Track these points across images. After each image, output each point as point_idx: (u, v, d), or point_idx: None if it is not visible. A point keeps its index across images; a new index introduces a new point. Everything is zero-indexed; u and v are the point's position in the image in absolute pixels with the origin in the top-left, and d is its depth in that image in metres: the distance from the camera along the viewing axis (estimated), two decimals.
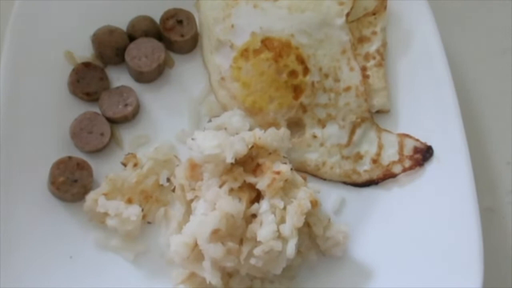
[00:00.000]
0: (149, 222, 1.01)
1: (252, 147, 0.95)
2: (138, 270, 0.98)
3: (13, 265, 0.93)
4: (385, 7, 1.12)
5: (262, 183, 0.92)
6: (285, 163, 0.97)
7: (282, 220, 0.91)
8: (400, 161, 1.07)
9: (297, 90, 1.06)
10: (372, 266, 1.00)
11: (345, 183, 1.07)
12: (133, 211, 0.97)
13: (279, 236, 0.89)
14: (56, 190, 0.98)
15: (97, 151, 1.04)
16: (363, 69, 1.10)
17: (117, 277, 0.97)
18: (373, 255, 1.01)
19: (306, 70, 1.06)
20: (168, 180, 1.02)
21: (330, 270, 1.00)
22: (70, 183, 0.98)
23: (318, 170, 1.07)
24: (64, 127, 1.04)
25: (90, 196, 0.98)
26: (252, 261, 0.88)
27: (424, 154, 1.06)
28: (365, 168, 1.07)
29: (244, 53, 1.06)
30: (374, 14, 1.12)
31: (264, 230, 0.88)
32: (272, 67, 1.05)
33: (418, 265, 0.99)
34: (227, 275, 0.93)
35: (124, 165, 1.03)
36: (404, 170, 1.06)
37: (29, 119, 1.02)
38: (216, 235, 0.87)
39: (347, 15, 1.10)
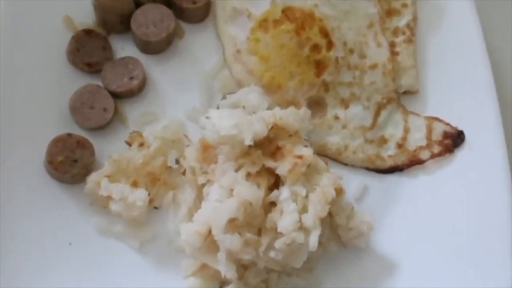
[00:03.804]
0: (155, 208, 0.96)
1: (272, 127, 0.89)
2: (143, 259, 0.94)
3: (7, 252, 0.88)
4: None
5: (282, 168, 0.87)
6: (307, 146, 0.91)
7: (304, 209, 0.86)
8: (428, 146, 1.02)
9: (319, 66, 1.00)
10: (395, 259, 0.96)
11: (367, 169, 1.02)
12: (139, 195, 0.92)
13: (301, 227, 0.83)
14: (54, 170, 0.92)
15: (99, 128, 0.98)
16: (391, 45, 1.05)
17: (120, 266, 0.93)
18: (397, 247, 0.97)
19: (330, 45, 1.00)
20: (177, 162, 0.97)
21: (351, 262, 0.96)
22: (70, 163, 0.93)
23: (339, 155, 1.01)
24: (63, 101, 0.98)
25: (91, 178, 0.93)
26: (272, 254, 0.83)
27: (454, 139, 1.01)
28: (389, 153, 1.02)
29: (263, 23, 1.00)
30: None
31: (285, 220, 0.83)
32: (293, 40, 0.99)
33: (445, 259, 0.95)
34: (243, 268, 0.87)
35: (129, 144, 0.97)
36: (432, 156, 1.01)
37: (24, 92, 0.96)
38: (233, 225, 0.82)
39: None
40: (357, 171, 1.02)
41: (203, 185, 0.91)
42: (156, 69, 1.03)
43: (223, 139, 0.86)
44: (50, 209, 0.93)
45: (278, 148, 0.89)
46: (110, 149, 0.97)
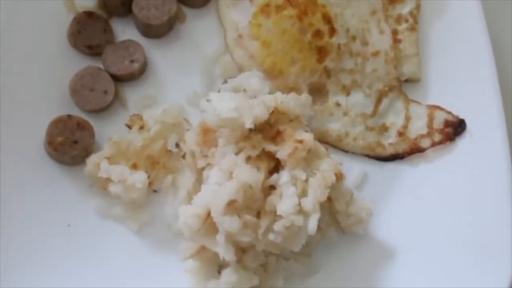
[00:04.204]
0: (155, 191, 0.96)
1: (273, 112, 0.88)
2: (142, 241, 0.94)
3: (5, 232, 0.88)
4: None
5: (282, 152, 0.86)
6: (307, 131, 0.90)
7: (304, 193, 0.85)
8: (429, 134, 1.01)
9: (321, 53, 0.99)
10: (393, 246, 0.96)
11: (368, 156, 1.01)
12: (139, 178, 0.92)
13: (300, 211, 0.83)
14: (53, 151, 0.92)
15: (100, 111, 0.98)
16: (394, 32, 1.04)
17: (119, 249, 0.93)
18: (395, 234, 0.97)
19: (332, 31, 0.99)
20: (177, 145, 0.97)
21: (349, 248, 0.96)
22: (70, 144, 0.93)
23: (340, 141, 1.01)
24: (63, 83, 0.97)
25: (91, 160, 0.93)
26: (271, 236, 0.83)
27: (455, 128, 1.00)
28: (390, 141, 1.02)
29: (265, 8, 0.99)
30: None
31: (285, 203, 0.83)
32: (295, 26, 0.98)
33: (443, 248, 0.95)
34: (241, 251, 0.87)
35: (129, 127, 0.97)
36: (433, 144, 1.01)
37: (24, 73, 0.96)
38: (232, 207, 0.81)
39: None
40: (357, 158, 1.01)
41: (203, 168, 0.91)
42: (157, 53, 1.02)
43: (224, 122, 0.86)
44: (49, 190, 0.93)
45: (279, 133, 0.89)
46: (110, 132, 0.96)
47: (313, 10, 0.98)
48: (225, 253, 0.82)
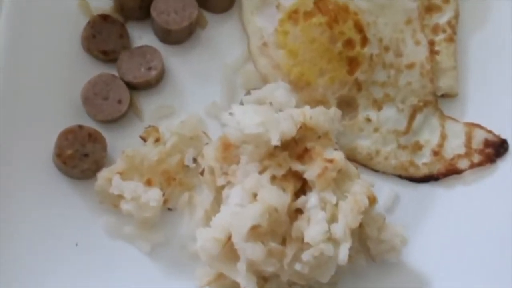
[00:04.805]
0: (169, 209, 0.93)
1: (300, 127, 0.84)
2: (154, 264, 0.91)
3: (9, 250, 0.85)
4: None
5: (311, 172, 0.82)
6: (337, 149, 0.86)
7: (334, 219, 0.81)
8: (467, 155, 0.97)
9: (352, 64, 0.96)
10: (427, 276, 0.92)
11: (399, 176, 0.97)
12: (153, 195, 0.89)
13: (330, 238, 0.78)
14: (62, 164, 0.90)
15: (113, 121, 0.95)
16: (431, 43, 1.01)
17: (129, 271, 0.90)
18: (430, 263, 0.93)
19: (364, 40, 0.96)
20: (195, 160, 0.94)
21: (380, 278, 0.92)
22: (80, 157, 0.90)
23: (370, 160, 0.97)
24: (75, 91, 0.95)
25: (102, 174, 0.91)
26: (297, 266, 0.78)
27: (497, 148, 0.97)
28: (424, 161, 0.98)
29: (293, 15, 0.96)
30: None
31: (313, 229, 0.78)
32: (325, 34, 0.95)
33: (483, 278, 0.90)
34: (262, 280, 0.82)
35: (144, 139, 0.95)
36: (472, 166, 0.97)
37: (34, 79, 0.94)
38: (256, 232, 0.77)
39: None
40: (388, 178, 0.98)
41: (223, 187, 0.87)
42: (175, 60, 1.00)
43: (248, 137, 0.82)
44: (57, 206, 0.91)
45: (306, 151, 0.84)
46: (124, 144, 0.94)
47: (345, 18, 0.95)
48: (247, 283, 0.78)
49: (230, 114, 0.84)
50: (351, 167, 0.86)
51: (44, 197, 0.90)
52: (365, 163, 0.97)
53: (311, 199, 0.81)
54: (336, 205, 0.81)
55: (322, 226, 0.78)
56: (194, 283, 0.88)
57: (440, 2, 1.02)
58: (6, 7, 0.91)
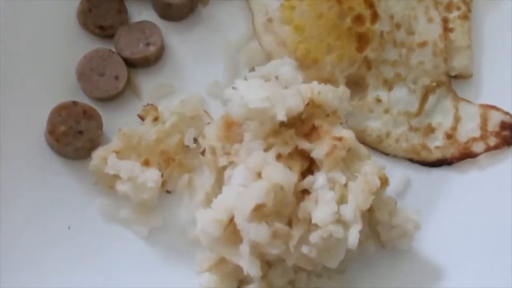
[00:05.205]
0: (168, 191, 0.92)
1: (307, 104, 0.81)
2: (151, 249, 0.89)
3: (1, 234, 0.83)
4: None
5: (319, 150, 0.80)
6: (345, 128, 0.83)
7: (343, 200, 0.79)
8: (482, 138, 0.96)
9: (362, 40, 0.95)
10: (440, 263, 0.91)
11: (411, 160, 0.97)
12: (151, 176, 0.87)
13: (339, 220, 0.75)
14: (55, 141, 0.89)
15: (109, 99, 0.94)
16: (444, 21, 1.00)
17: (125, 257, 0.88)
18: (442, 250, 0.92)
19: (375, 16, 0.95)
20: (195, 141, 0.93)
21: (390, 265, 0.90)
22: (74, 134, 0.89)
23: (380, 142, 0.95)
24: (70, 66, 0.94)
25: (97, 153, 0.89)
26: (304, 249, 0.75)
27: None
28: (437, 144, 0.97)
29: None
30: None
31: (321, 210, 0.76)
32: (333, 9, 0.94)
33: (496, 265, 0.89)
34: (267, 265, 0.80)
35: (142, 118, 0.94)
36: (487, 149, 0.96)
37: (27, 54, 0.92)
38: (260, 213, 0.74)
39: None
40: (399, 162, 0.97)
41: (225, 167, 0.85)
42: (176, 37, 0.98)
43: (252, 113, 0.79)
44: (49, 187, 0.89)
45: (314, 128, 0.82)
46: (121, 123, 0.93)
47: None
48: (250, 267, 0.75)
49: (234, 88, 0.81)
50: (361, 147, 0.85)
51: (36, 177, 0.89)
52: (375, 146, 0.96)
53: (319, 179, 0.79)
54: (346, 185, 0.79)
55: (330, 206, 0.76)
56: (193, 269, 0.84)
57: None
58: None
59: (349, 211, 0.77)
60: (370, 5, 0.95)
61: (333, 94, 0.85)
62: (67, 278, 0.86)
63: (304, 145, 0.81)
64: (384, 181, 0.80)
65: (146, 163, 0.89)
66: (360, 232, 0.80)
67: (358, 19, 0.94)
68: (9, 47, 0.91)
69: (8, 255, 0.85)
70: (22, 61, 0.92)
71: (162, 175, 0.90)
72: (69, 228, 0.88)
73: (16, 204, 0.87)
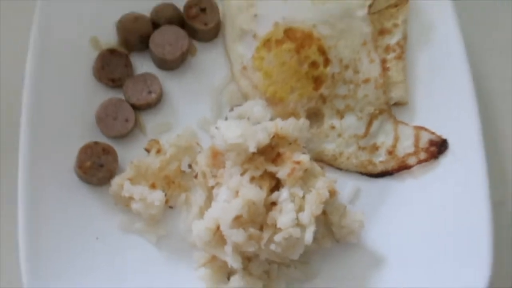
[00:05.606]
0: (170, 207, 1.03)
1: (273, 136, 0.97)
2: (160, 252, 1.01)
3: (44, 244, 0.96)
4: (407, 0, 1.12)
5: (282, 172, 0.95)
6: (304, 153, 0.99)
7: (301, 209, 0.93)
8: (415, 153, 1.08)
9: (317, 81, 1.07)
10: (384, 254, 1.03)
11: (360, 173, 1.09)
12: (157, 196, 0.99)
13: (298, 224, 0.92)
14: (83, 174, 1.01)
15: (122, 137, 1.06)
16: (383, 61, 1.11)
17: (140, 258, 1.00)
18: (386, 244, 1.03)
19: (327, 61, 1.07)
20: (190, 166, 1.04)
21: (343, 257, 1.02)
22: (97, 167, 1.01)
23: (335, 160, 1.09)
24: (90, 112, 1.05)
25: (115, 181, 1.01)
26: (272, 246, 0.91)
27: (439, 147, 1.07)
28: (380, 159, 1.09)
29: (267, 43, 1.07)
30: (396, 6, 1.13)
31: (284, 217, 0.91)
32: (294, 58, 1.06)
33: (429, 255, 1.01)
34: (247, 259, 0.96)
35: (148, 151, 1.05)
36: (419, 162, 1.08)
37: (55, 104, 1.03)
38: (238, 221, 0.90)
39: (370, 6, 1.10)
40: (351, 175, 1.08)
41: (213, 187, 0.99)
42: (171, 84, 1.09)
43: (231, 146, 0.94)
44: (80, 208, 1.00)
45: (279, 155, 0.96)
46: (131, 155, 1.04)
47: (309, 43, 1.06)
48: (233, 261, 0.90)
49: (217, 128, 0.96)
50: (316, 167, 0.99)
51: (70, 201, 1.00)
52: (331, 163, 1.09)
53: (283, 194, 0.93)
54: (303, 197, 0.93)
55: (291, 214, 0.91)
56: (192, 265, 0.98)
57: (391, 26, 1.13)
58: (32, 44, 1.02)
59: (305, 217, 0.92)
60: (323, 52, 1.07)
61: (293, 127, 0.99)
62: (97, 273, 0.97)
63: (272, 168, 0.96)
64: (333, 193, 0.96)
65: (153, 186, 1.01)
66: (317, 231, 0.94)
67: (314, 64, 1.06)
68: (41, 99, 1.01)
69: (50, 260, 0.95)
70: (53, 111, 1.02)
71: (165, 195, 1.00)
72: (97, 238, 0.99)
73: (56, 221, 0.98)
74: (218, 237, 0.92)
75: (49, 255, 0.96)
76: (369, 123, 1.09)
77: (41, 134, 1.00)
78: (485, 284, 0.97)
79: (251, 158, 0.96)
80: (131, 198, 1.00)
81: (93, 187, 1.03)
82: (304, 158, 0.96)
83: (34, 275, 0.93)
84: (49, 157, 1.00)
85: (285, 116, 1.04)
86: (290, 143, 0.99)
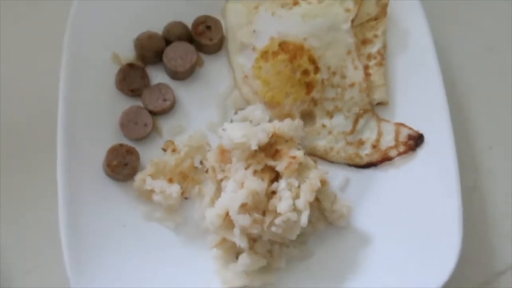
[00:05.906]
0: (186, 198, 1.10)
1: (272, 136, 1.05)
2: (178, 237, 1.08)
3: (78, 232, 1.03)
4: (385, 13, 1.20)
5: (280, 166, 1.02)
6: (299, 149, 1.07)
7: (297, 196, 1.01)
8: (395, 146, 1.15)
9: (309, 86, 1.13)
10: (370, 235, 1.10)
11: (349, 165, 1.15)
12: (174, 189, 1.06)
13: (295, 209, 1.00)
14: (111, 171, 1.07)
15: (142, 139, 1.12)
16: (366, 67, 1.17)
17: (161, 242, 1.07)
18: (372, 226, 1.11)
19: (316, 69, 1.14)
20: (201, 163, 1.10)
21: (336, 237, 1.10)
22: (122, 166, 1.07)
23: (326, 154, 1.15)
24: (114, 119, 1.12)
25: (138, 177, 1.07)
26: (273, 229, 0.99)
27: (416, 140, 1.14)
28: (366, 152, 1.15)
29: (264, 55, 1.14)
30: (376, 19, 1.20)
31: (283, 204, 0.99)
32: (287, 67, 1.12)
33: (408, 235, 1.08)
34: (252, 240, 1.03)
35: (164, 150, 1.11)
36: (399, 154, 1.14)
37: (85, 112, 1.11)
38: (244, 208, 0.98)
39: (353, 20, 1.17)
40: (340, 167, 1.15)
41: (221, 180, 1.06)
42: (183, 92, 1.16)
43: (236, 145, 1.02)
44: (109, 201, 1.07)
45: (277, 151, 1.04)
46: (151, 155, 1.10)
47: (301, 54, 1.13)
48: (240, 242, 0.98)
49: (223, 129, 1.03)
50: (309, 161, 1.06)
51: (100, 194, 1.06)
52: (323, 157, 1.15)
53: (281, 184, 1.00)
54: (299, 187, 1.00)
55: (289, 201, 0.98)
56: (206, 247, 1.05)
57: (372, 37, 1.20)
58: (64, 62, 1.09)
59: (301, 203, 0.99)
60: (313, 61, 1.13)
61: (289, 127, 1.06)
62: (125, 257, 1.04)
63: (271, 163, 1.02)
64: (324, 183, 1.03)
65: (170, 181, 1.07)
66: (312, 216, 1.02)
67: (305, 72, 1.12)
68: (74, 109, 1.08)
69: (87, 245, 1.02)
70: (84, 119, 1.09)
71: (181, 188, 1.06)
72: (124, 226, 1.06)
73: (89, 212, 1.04)
74: (227, 222, 0.99)
75: (86, 241, 1.03)
76: (356, 121, 1.16)
77: (75, 139, 1.07)
78: (456, 257, 1.05)
79: (253, 155, 1.03)
80: (152, 191, 1.06)
81: (119, 182, 1.10)
82: (299, 153, 1.03)
83: (75, 259, 1.01)
84: (82, 158, 1.07)
85: (281, 117, 1.11)
86: (286, 141, 1.06)
